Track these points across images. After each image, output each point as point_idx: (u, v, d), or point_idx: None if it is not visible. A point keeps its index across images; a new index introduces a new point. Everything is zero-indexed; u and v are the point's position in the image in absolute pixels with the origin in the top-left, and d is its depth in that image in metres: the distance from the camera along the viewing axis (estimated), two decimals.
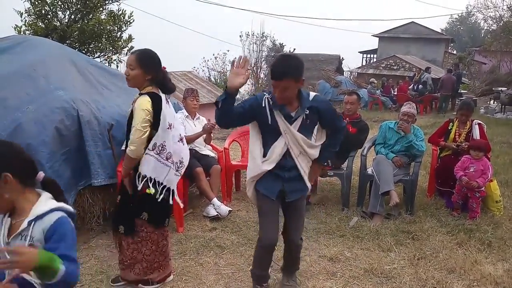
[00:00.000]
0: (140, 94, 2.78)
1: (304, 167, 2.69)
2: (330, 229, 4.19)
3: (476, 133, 4.90)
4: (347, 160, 4.87)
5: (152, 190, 2.82)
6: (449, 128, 5.10)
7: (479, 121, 5.06)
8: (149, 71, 2.76)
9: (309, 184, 2.78)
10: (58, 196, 1.73)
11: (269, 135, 2.61)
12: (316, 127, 2.70)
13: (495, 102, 15.14)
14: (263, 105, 2.53)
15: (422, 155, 4.81)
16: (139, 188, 2.79)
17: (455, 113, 5.78)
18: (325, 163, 2.89)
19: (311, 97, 2.60)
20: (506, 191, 5.29)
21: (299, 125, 2.57)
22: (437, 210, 4.71)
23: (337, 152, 4.70)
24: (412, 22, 29.38)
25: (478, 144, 4.59)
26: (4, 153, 1.63)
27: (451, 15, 51.91)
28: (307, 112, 2.57)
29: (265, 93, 2.61)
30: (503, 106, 13.88)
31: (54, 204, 1.67)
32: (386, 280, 3.25)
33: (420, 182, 5.07)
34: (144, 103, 2.69)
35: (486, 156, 4.63)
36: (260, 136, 2.66)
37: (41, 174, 1.73)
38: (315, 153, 2.71)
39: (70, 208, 1.69)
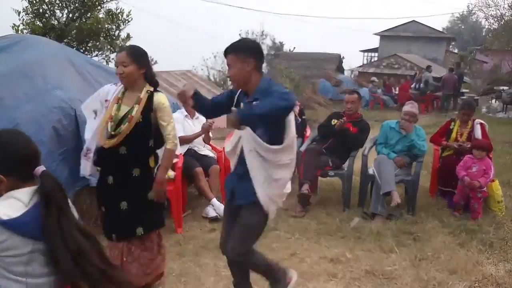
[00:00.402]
0: (150, 92, 2.77)
1: (254, 168, 2.37)
2: (331, 230, 4.16)
3: (478, 133, 4.87)
4: (348, 160, 4.83)
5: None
6: (451, 127, 5.06)
7: (481, 121, 5.03)
8: (142, 65, 2.75)
9: (260, 196, 2.38)
10: (45, 199, 1.54)
11: None
12: (279, 126, 2.37)
13: (496, 101, 15.10)
14: (235, 96, 2.51)
15: (424, 155, 4.77)
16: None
17: (457, 112, 5.74)
18: (238, 116, 2.25)
19: (271, 89, 2.36)
20: (508, 191, 5.25)
21: None
22: (439, 211, 4.67)
23: (338, 152, 4.77)
24: (413, 20, 29.36)
25: (481, 143, 4.56)
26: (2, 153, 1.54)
27: (452, 13, 51.84)
28: (254, 103, 2.36)
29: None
30: (505, 105, 13.85)
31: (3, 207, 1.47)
32: (387, 281, 3.22)
33: (421, 182, 5.03)
34: (166, 99, 2.79)
35: (488, 156, 4.60)
36: None
37: (39, 170, 1.57)
38: (272, 156, 2.36)
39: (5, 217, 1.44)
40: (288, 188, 2.57)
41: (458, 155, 4.80)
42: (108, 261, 1.62)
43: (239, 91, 2.50)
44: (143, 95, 2.74)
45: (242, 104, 2.45)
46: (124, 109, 2.74)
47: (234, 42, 2.44)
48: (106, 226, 2.89)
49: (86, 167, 2.86)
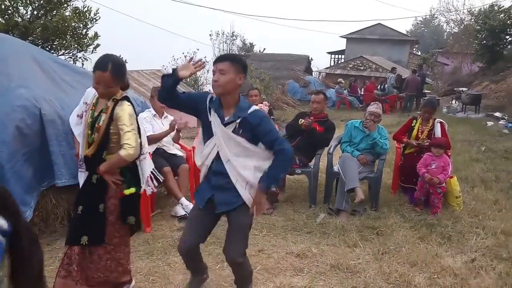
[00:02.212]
0: (116, 100, 2.64)
1: (236, 175, 2.50)
2: (298, 226, 4.25)
3: (438, 131, 5.08)
4: (314, 158, 4.95)
5: (133, 190, 2.73)
6: (412, 125, 5.26)
7: (441, 120, 5.25)
8: (122, 82, 2.67)
9: (246, 196, 2.52)
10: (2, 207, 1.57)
11: (206, 135, 2.58)
12: (254, 143, 2.53)
13: (456, 102, 15.70)
14: (207, 102, 2.53)
15: (386, 153, 4.95)
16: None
17: (419, 112, 5.96)
18: (267, 189, 2.54)
19: (250, 110, 2.50)
20: (466, 187, 5.50)
21: (232, 131, 2.50)
22: (400, 206, 4.85)
23: (305, 150, 4.87)
24: (379, 23, 30.06)
25: (439, 141, 4.77)
26: None
27: (416, 17, 53.46)
28: (238, 121, 2.47)
29: (211, 93, 2.61)
30: (464, 106, 14.41)
31: None
32: (351, 275, 3.33)
33: (384, 179, 5.21)
34: (123, 110, 2.61)
35: (446, 153, 4.81)
36: (201, 135, 2.65)
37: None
38: (244, 165, 2.50)
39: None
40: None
41: (419, 152, 5.01)
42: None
43: (210, 98, 2.55)
44: (110, 103, 2.64)
45: (214, 115, 2.49)
46: (94, 115, 2.67)
47: (233, 54, 2.59)
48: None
49: (80, 179, 2.85)
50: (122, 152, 2.58)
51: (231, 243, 2.63)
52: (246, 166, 2.51)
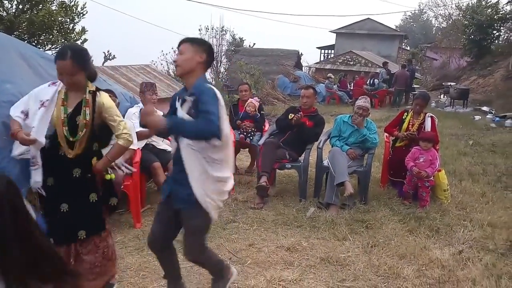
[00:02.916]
0: (93, 92, 2.65)
1: (191, 166, 2.33)
2: (288, 220, 4.27)
3: (428, 125, 5.12)
4: (304, 153, 4.97)
5: (113, 176, 2.78)
6: (404, 117, 5.30)
7: (432, 114, 5.28)
8: (88, 68, 2.64)
9: (197, 191, 2.34)
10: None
11: None
12: None
13: (445, 96, 15.83)
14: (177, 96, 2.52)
15: (376, 147, 4.98)
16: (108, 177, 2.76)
17: (409, 106, 6.01)
18: (166, 125, 2.20)
19: (204, 86, 2.35)
20: (453, 181, 5.57)
21: (187, 111, 2.35)
22: (389, 200, 4.89)
23: (294, 145, 4.88)
24: (368, 18, 30.17)
25: (427, 135, 4.81)
26: None
27: (405, 12, 53.74)
28: (192, 99, 2.34)
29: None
30: (452, 100, 14.53)
31: None
32: (341, 268, 3.36)
33: (373, 173, 5.25)
34: (108, 98, 2.70)
35: (434, 147, 4.86)
36: None
37: None
38: (206, 152, 2.32)
39: None
40: (228, 186, 2.47)
41: (407, 146, 5.05)
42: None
43: (174, 95, 2.56)
44: (88, 96, 2.62)
45: (178, 100, 2.44)
46: (68, 111, 2.61)
47: (193, 37, 2.52)
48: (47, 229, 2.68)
49: (37, 177, 2.67)
50: (121, 142, 2.66)
51: (186, 245, 2.52)
52: (202, 163, 2.34)
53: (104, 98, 2.67)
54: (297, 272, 3.25)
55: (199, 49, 2.41)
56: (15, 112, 2.67)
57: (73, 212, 2.62)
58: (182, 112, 2.36)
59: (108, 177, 2.76)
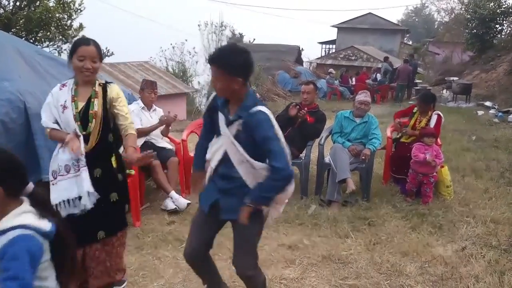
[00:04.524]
0: (102, 84, 2.68)
1: (250, 177, 2.22)
2: (289, 218, 4.24)
3: (432, 123, 5.06)
4: (305, 150, 4.92)
5: (132, 171, 2.75)
6: (414, 111, 5.24)
7: (439, 112, 5.19)
8: (102, 60, 2.68)
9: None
10: (42, 209, 1.65)
11: (216, 133, 2.36)
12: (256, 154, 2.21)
13: (447, 91, 15.74)
14: (213, 102, 2.36)
15: (380, 144, 4.90)
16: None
17: (410, 102, 5.95)
18: (252, 204, 2.18)
19: (251, 110, 2.16)
20: (456, 176, 5.52)
21: (235, 133, 2.21)
22: (392, 196, 4.86)
23: (295, 141, 4.83)
24: (370, 13, 30.07)
25: (428, 131, 4.77)
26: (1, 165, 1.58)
27: (407, 6, 53.54)
28: (241, 122, 2.19)
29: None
30: (454, 95, 14.45)
31: (21, 220, 1.57)
32: (343, 265, 3.33)
33: (375, 170, 5.21)
34: (119, 90, 2.71)
35: (437, 143, 4.82)
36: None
37: (30, 187, 1.66)
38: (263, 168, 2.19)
39: (44, 227, 1.60)
40: (289, 191, 2.27)
41: (410, 143, 5.00)
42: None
43: (214, 96, 2.35)
44: (98, 88, 2.64)
45: (220, 113, 2.29)
46: (80, 106, 2.60)
47: (224, 55, 2.17)
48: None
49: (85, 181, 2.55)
50: (133, 131, 2.68)
51: (239, 256, 2.39)
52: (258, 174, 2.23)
53: (115, 88, 2.71)
54: (299, 270, 3.23)
55: (234, 76, 2.14)
56: (49, 123, 2.63)
57: (94, 213, 2.58)
58: (228, 133, 2.23)
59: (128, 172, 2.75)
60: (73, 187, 2.53)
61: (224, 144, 2.26)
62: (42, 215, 1.63)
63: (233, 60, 2.14)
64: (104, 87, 2.68)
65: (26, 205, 1.63)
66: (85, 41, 2.58)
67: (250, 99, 2.22)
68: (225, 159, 2.26)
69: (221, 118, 2.28)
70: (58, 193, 2.53)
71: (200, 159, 2.46)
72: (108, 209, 2.63)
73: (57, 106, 2.60)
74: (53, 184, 2.58)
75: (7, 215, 1.59)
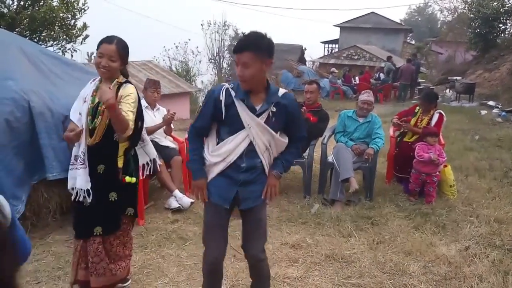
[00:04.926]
0: (119, 83, 2.65)
1: (269, 162, 2.37)
2: (292, 217, 4.24)
3: (433, 122, 5.05)
4: (308, 149, 4.92)
5: (133, 179, 2.71)
6: (416, 111, 5.23)
7: (441, 111, 5.19)
8: (126, 62, 2.67)
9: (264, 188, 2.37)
10: None
11: (226, 130, 2.29)
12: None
13: (450, 91, 15.70)
14: (220, 98, 2.25)
15: (383, 141, 4.89)
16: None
17: (413, 101, 5.94)
18: (281, 174, 2.38)
19: (280, 93, 2.30)
20: (460, 176, 5.51)
21: (265, 119, 2.26)
22: (395, 196, 4.86)
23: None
24: (373, 12, 29.96)
25: (431, 130, 4.76)
26: None
27: (410, 5, 53.38)
28: (274, 109, 2.25)
29: (225, 84, 2.33)
30: (458, 95, 14.41)
31: None
32: (346, 264, 3.33)
33: (378, 169, 5.20)
34: (133, 89, 2.64)
35: (440, 143, 4.81)
36: (215, 130, 2.36)
37: None
38: (283, 145, 2.39)
39: None
40: None
41: (414, 142, 4.99)
42: None
43: (224, 90, 2.27)
44: (113, 86, 2.62)
45: (241, 105, 2.23)
46: (95, 101, 2.61)
47: (253, 38, 2.18)
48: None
49: (82, 176, 2.59)
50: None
51: (254, 240, 2.40)
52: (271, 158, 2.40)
53: (128, 89, 2.63)
54: (302, 269, 3.23)
55: (266, 56, 2.16)
56: (74, 116, 2.66)
57: (93, 207, 2.62)
58: (258, 122, 2.23)
59: (128, 179, 2.65)
60: (73, 178, 2.64)
61: (250, 135, 2.25)
62: None
63: (262, 42, 2.16)
64: (120, 85, 2.66)
65: None
66: (108, 39, 2.57)
67: (272, 85, 2.32)
68: (249, 151, 2.27)
69: (244, 110, 2.23)
70: (69, 180, 2.67)
71: (201, 165, 2.36)
72: (106, 206, 2.63)
73: (81, 99, 2.67)
74: (70, 170, 2.69)
75: None
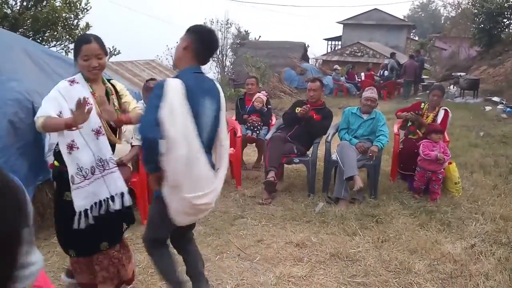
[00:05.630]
0: (107, 80, 2.66)
1: None
2: (297, 215, 4.23)
3: (439, 118, 5.02)
4: (312, 147, 4.91)
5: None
6: (422, 106, 5.20)
7: (446, 108, 5.17)
8: (107, 54, 2.64)
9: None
10: None
11: None
12: None
13: (454, 87, 15.61)
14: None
15: (388, 138, 4.87)
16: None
17: (417, 98, 5.91)
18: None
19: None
20: (464, 173, 5.48)
21: None
22: (400, 193, 4.84)
23: (302, 139, 4.83)
24: (375, 8, 29.84)
25: (435, 127, 4.74)
26: None
27: (413, 1, 53.15)
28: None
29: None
30: (462, 91, 14.33)
31: None
32: (351, 263, 3.32)
33: (383, 167, 5.19)
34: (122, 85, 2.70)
35: (444, 140, 4.79)
36: None
37: None
38: None
39: None
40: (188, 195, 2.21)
41: (419, 139, 4.97)
42: None
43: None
44: (108, 84, 2.63)
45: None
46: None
47: None
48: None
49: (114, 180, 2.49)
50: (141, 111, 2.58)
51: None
52: None
53: (118, 84, 2.72)
54: (307, 268, 3.22)
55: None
56: (50, 112, 2.34)
57: (99, 222, 2.48)
58: None
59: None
60: (102, 188, 2.46)
61: None
62: None
63: None
64: (110, 83, 2.68)
65: None
66: (86, 39, 2.49)
67: None
68: None
69: None
70: (87, 198, 2.41)
71: None
72: (112, 218, 2.53)
73: (70, 102, 2.39)
74: (77, 189, 2.38)
75: None
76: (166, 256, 2.54)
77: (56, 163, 2.53)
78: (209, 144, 2.38)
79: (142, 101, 4.63)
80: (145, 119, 2.12)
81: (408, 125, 5.19)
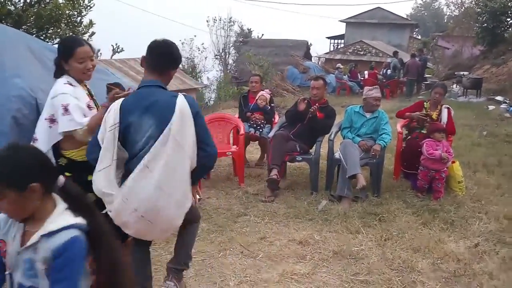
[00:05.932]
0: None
1: None
2: (300, 213, 4.23)
3: (444, 117, 5.01)
4: (315, 145, 4.91)
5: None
6: (424, 106, 5.19)
7: (448, 106, 5.18)
8: None
9: None
10: (74, 204, 1.56)
11: None
12: None
13: (457, 86, 15.56)
14: None
15: (391, 137, 4.86)
16: None
17: (420, 97, 5.90)
18: None
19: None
20: (468, 172, 5.47)
21: None
22: (403, 192, 4.83)
23: (305, 137, 4.82)
24: (378, 7, 29.74)
25: (439, 126, 4.73)
26: (33, 161, 1.50)
27: (416, 0, 52.97)
28: None
29: None
30: (465, 90, 14.29)
31: (68, 220, 1.50)
32: (354, 261, 3.32)
33: (386, 165, 5.18)
34: None
35: (449, 138, 4.78)
36: None
37: (61, 179, 1.56)
38: None
39: (84, 223, 1.52)
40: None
41: (421, 138, 4.95)
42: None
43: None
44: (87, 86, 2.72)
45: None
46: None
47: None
48: None
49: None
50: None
51: None
52: None
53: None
54: (310, 266, 3.22)
55: None
56: (84, 120, 2.51)
57: None
58: None
59: (90, 177, 2.43)
60: None
61: None
62: (76, 210, 1.55)
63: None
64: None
65: (61, 202, 1.55)
66: (79, 42, 2.55)
67: None
68: None
69: None
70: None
71: None
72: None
73: (81, 105, 2.54)
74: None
75: (49, 213, 1.51)
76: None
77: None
78: (137, 160, 2.29)
79: None
80: (90, 141, 2.38)
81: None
